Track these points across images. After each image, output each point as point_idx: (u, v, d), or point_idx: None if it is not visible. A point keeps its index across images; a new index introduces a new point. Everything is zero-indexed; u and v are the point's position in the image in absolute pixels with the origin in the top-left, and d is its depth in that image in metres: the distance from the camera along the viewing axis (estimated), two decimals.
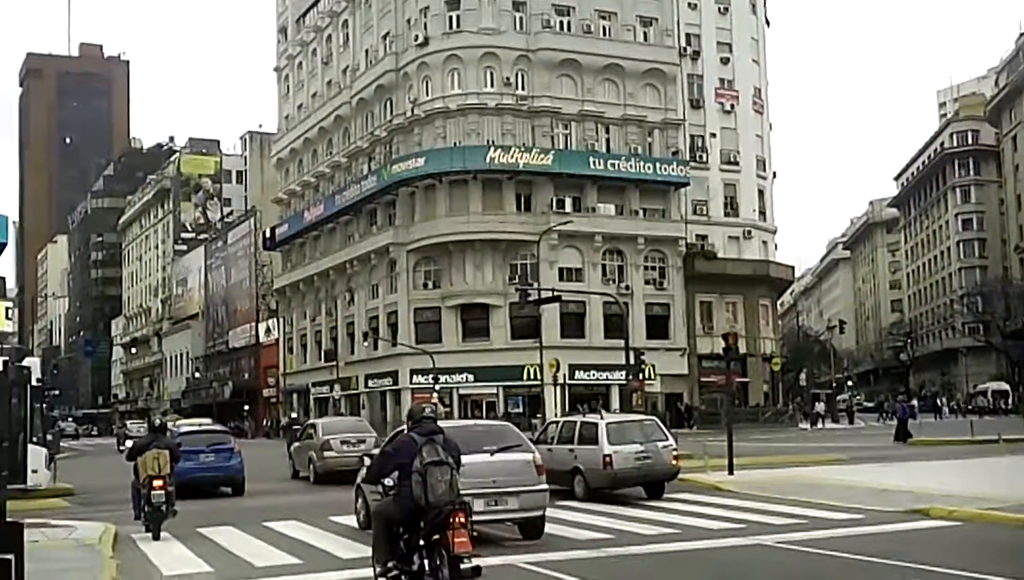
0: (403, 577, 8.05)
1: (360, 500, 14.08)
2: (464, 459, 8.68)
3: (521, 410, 49.01)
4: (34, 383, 17.74)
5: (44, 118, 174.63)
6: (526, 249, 50.21)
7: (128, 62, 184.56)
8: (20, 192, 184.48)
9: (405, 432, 8.52)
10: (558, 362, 40.49)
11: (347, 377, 57.13)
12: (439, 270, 53.55)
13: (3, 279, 50.46)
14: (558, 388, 43.51)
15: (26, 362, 19.87)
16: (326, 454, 23.38)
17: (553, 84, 53.92)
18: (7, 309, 57.19)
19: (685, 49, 57.66)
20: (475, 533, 8.12)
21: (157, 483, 13.85)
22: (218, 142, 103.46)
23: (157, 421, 15.93)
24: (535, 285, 44.70)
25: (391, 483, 8.20)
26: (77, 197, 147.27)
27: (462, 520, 7.74)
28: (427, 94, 54.10)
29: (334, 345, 60.11)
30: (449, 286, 52.78)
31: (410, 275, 54.05)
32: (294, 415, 58.94)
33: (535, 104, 53.32)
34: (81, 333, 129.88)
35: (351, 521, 14.52)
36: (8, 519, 10.92)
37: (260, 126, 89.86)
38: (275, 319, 72.85)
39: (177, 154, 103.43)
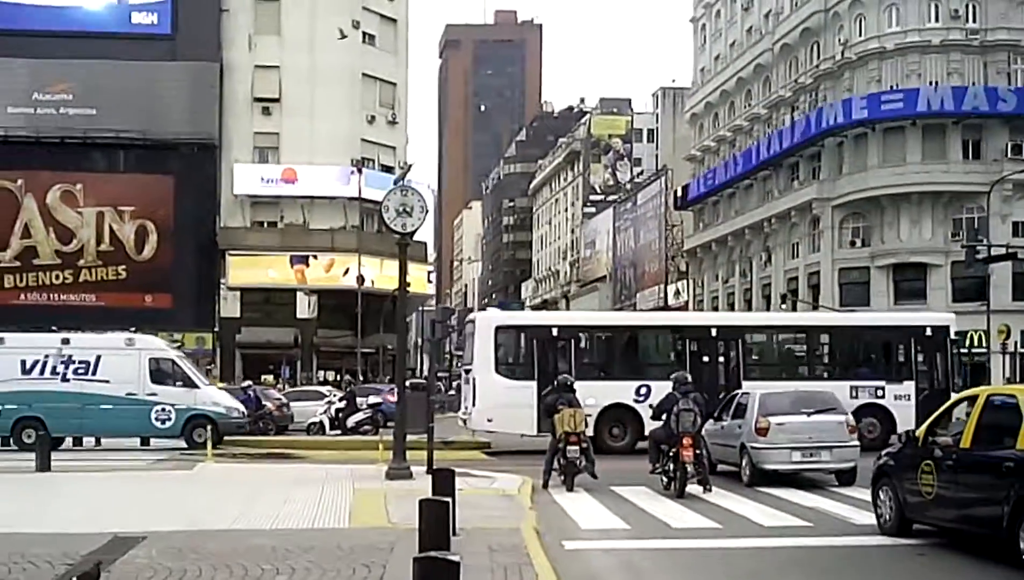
0: (663, 474, 15.19)
1: (745, 459, 16.33)
2: (784, 419, 15.88)
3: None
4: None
5: (461, 87, 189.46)
6: (973, 202, 47.11)
7: (541, 26, 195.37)
8: (439, 161, 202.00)
9: (671, 391, 15.37)
10: (1008, 328, 38.14)
11: None
12: (869, 226, 51.72)
13: (424, 244, 55.98)
14: (1007, 357, 40.79)
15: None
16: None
17: (1012, 14, 49.81)
18: (428, 273, 62.89)
19: None
20: (699, 452, 14.69)
21: (572, 439, 15.25)
22: (629, 101, 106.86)
23: (568, 381, 16.87)
24: (983, 241, 41.93)
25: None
26: (491, 163, 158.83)
27: (689, 442, 14.52)
28: (860, 34, 52.25)
29: (748, 308, 60.10)
30: (880, 244, 50.81)
31: (835, 232, 52.73)
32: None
33: (988, 38, 49.61)
34: (493, 296, 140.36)
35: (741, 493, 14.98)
36: (437, 467, 12.48)
37: (673, 81, 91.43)
38: (685, 281, 74.18)
39: (588, 115, 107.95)
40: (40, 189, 49.95)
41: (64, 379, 23.79)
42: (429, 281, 60.64)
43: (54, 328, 48.00)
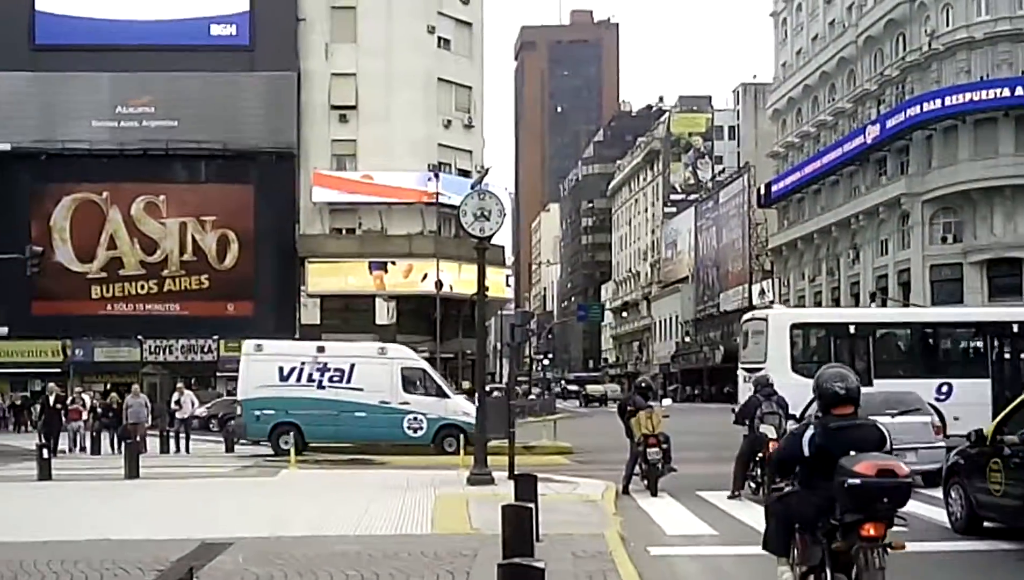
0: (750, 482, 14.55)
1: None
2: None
3: None
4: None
5: (537, 89, 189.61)
6: None
7: (617, 25, 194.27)
8: (515, 163, 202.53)
9: (752, 394, 15.20)
10: None
11: None
12: (960, 222, 50.60)
13: (502, 248, 56.03)
14: None
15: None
16: None
17: None
18: (506, 277, 63.17)
19: None
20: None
21: (652, 441, 15.14)
22: (709, 98, 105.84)
23: (644, 383, 17.08)
24: None
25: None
26: (568, 165, 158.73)
27: (775, 446, 11.53)
28: (947, 24, 51.15)
29: (836, 306, 59.14)
30: (973, 239, 49.66)
31: (925, 228, 51.69)
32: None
33: None
34: (572, 298, 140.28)
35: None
36: (519, 473, 12.47)
37: (754, 77, 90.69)
38: (770, 280, 73.27)
39: (667, 114, 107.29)
40: (125, 201, 51.29)
41: (320, 386, 24.31)
42: (508, 285, 60.78)
43: (139, 337, 49.85)
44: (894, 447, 10.93)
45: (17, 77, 50.37)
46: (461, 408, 24.64)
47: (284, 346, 27.14)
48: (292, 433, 23.90)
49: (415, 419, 24.11)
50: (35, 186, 50.61)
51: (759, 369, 22.33)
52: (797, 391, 19.31)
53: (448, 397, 25.02)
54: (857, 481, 6.30)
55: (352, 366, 24.32)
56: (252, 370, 24.90)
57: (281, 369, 24.43)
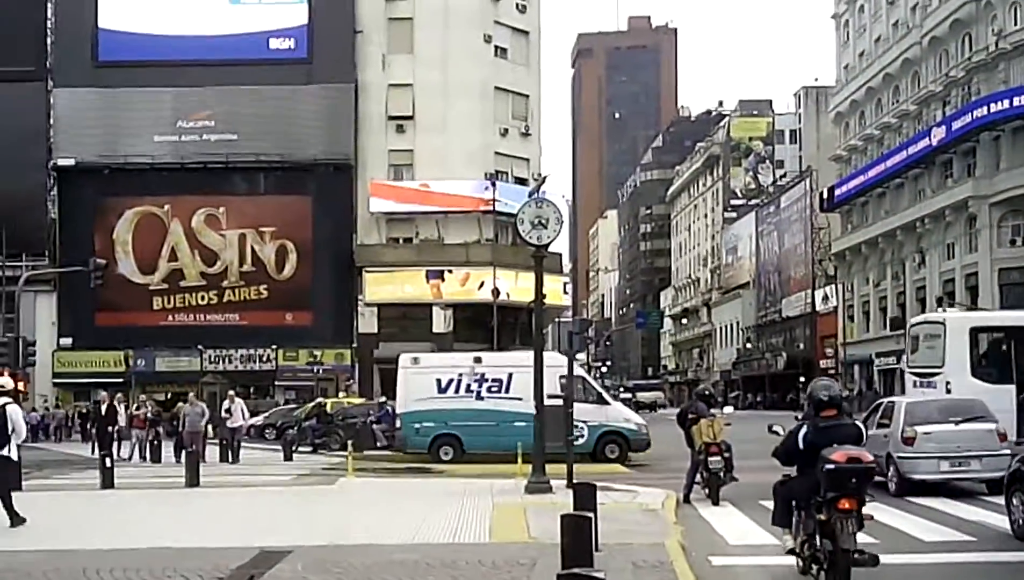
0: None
1: (891, 468, 15.76)
2: (931, 428, 15.69)
3: None
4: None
5: (594, 96, 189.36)
6: None
7: (676, 30, 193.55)
8: (572, 170, 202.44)
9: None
10: None
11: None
12: None
13: (559, 255, 55.90)
14: None
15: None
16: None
17: None
18: (564, 284, 63.06)
19: None
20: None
21: (713, 449, 15.01)
22: (770, 102, 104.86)
23: (706, 391, 17.01)
24: None
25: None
26: (625, 171, 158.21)
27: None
28: (1016, 23, 50.10)
29: (901, 312, 58.17)
30: None
31: (993, 231, 50.68)
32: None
33: None
34: (631, 305, 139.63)
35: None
36: (577, 481, 12.40)
37: (816, 80, 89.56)
38: (833, 285, 72.37)
39: (726, 119, 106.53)
40: (185, 213, 52.11)
41: (479, 397, 24.40)
42: (565, 292, 60.61)
43: (199, 347, 50.57)
44: (959, 454, 13.75)
45: (82, 93, 51.48)
46: (622, 415, 24.78)
47: (441, 358, 27.62)
48: (451, 444, 24.21)
49: (576, 427, 23.95)
50: (99, 200, 51.63)
51: (932, 374, 21.66)
52: (976, 396, 18.97)
53: (608, 403, 24.98)
54: (832, 466, 8.28)
55: (510, 375, 24.04)
56: (410, 383, 25.00)
57: (439, 381, 24.59)
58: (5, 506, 13.06)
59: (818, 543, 8.54)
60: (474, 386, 24.44)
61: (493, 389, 24.33)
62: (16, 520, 13.05)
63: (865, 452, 8.52)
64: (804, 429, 8.90)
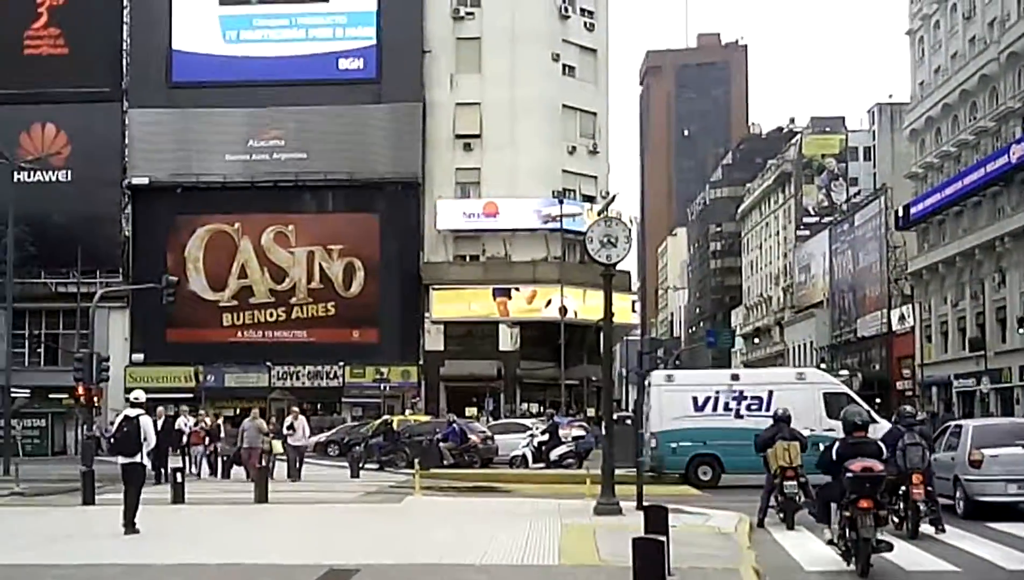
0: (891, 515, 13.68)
1: (959, 491, 16.08)
2: (998, 450, 15.85)
3: None
4: None
5: (663, 113, 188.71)
6: None
7: (746, 47, 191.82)
8: (641, 188, 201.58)
9: (894, 425, 15.79)
10: None
11: (996, 369, 53.81)
12: None
13: (628, 274, 55.75)
14: None
15: None
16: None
17: None
18: (632, 302, 62.64)
19: None
20: (929, 488, 14.20)
21: (789, 474, 14.87)
22: (843, 119, 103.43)
23: (781, 412, 16.47)
24: None
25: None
26: (695, 188, 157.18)
27: (919, 479, 13.90)
28: None
29: (981, 332, 56.92)
30: None
31: None
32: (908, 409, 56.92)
33: None
34: (701, 324, 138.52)
35: None
36: (647, 503, 12.36)
37: (890, 97, 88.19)
38: (910, 305, 71.05)
39: (798, 136, 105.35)
40: (255, 231, 52.93)
41: (738, 415, 23.65)
42: (633, 310, 60.46)
43: (268, 363, 51.23)
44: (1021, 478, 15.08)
45: (155, 114, 52.73)
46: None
47: (696, 375, 27.35)
48: (709, 464, 23.70)
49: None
50: (171, 218, 52.69)
51: None
52: None
53: (876, 422, 24.37)
54: (851, 474, 10.73)
55: (771, 393, 23.37)
56: (665, 401, 24.31)
57: (695, 399, 24.01)
58: (129, 512, 13.64)
59: (847, 535, 10.74)
60: (732, 404, 23.72)
61: (753, 407, 23.50)
62: (130, 529, 13.56)
63: (877, 463, 10.89)
64: (837, 445, 11.36)
